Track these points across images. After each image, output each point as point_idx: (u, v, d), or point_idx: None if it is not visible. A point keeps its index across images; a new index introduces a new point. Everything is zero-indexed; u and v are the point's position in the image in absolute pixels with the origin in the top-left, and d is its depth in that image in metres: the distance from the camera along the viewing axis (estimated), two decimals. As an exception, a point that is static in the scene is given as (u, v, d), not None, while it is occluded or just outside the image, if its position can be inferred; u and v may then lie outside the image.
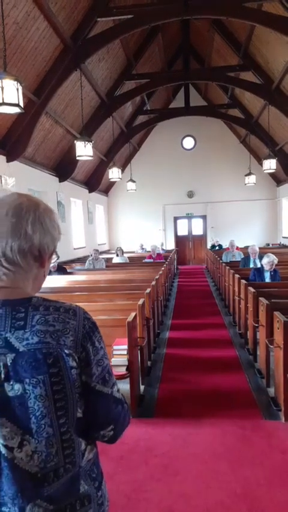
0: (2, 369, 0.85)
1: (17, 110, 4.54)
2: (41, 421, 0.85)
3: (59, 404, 0.87)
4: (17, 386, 0.85)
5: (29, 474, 0.85)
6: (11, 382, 0.85)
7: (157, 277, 6.17)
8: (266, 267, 5.63)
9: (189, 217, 16.28)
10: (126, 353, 3.46)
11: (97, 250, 8.99)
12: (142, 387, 4.02)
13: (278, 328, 3.42)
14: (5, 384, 0.85)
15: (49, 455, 0.86)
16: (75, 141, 7.84)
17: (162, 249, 13.65)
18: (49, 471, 0.87)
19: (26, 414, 0.85)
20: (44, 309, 0.91)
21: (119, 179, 11.59)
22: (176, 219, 16.34)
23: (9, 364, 0.85)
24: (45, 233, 0.94)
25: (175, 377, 4.36)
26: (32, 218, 0.92)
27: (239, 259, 8.16)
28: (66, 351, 0.89)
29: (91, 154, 7.78)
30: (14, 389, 0.85)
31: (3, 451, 0.83)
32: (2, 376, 0.85)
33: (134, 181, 13.45)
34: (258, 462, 2.77)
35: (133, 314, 3.68)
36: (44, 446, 0.86)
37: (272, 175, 14.34)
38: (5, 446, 0.83)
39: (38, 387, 0.85)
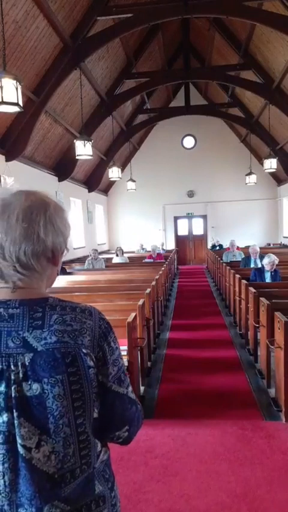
0: (20, 368, 0.85)
1: (16, 109, 4.53)
2: (59, 420, 0.85)
3: (77, 404, 0.87)
4: (35, 386, 0.84)
5: (46, 475, 0.84)
6: (29, 382, 0.85)
7: (157, 277, 6.16)
8: (267, 267, 5.62)
9: (189, 217, 16.27)
10: (126, 354, 3.44)
11: (96, 250, 8.98)
12: (142, 388, 4.00)
13: (279, 329, 3.41)
14: (23, 384, 0.84)
15: (66, 455, 0.86)
16: (74, 140, 7.83)
17: (163, 249, 13.63)
18: (66, 472, 0.86)
19: (44, 414, 0.84)
20: (61, 309, 0.92)
21: (118, 178, 11.57)
22: (176, 218, 16.32)
23: (27, 363, 0.85)
24: (57, 234, 0.93)
25: (175, 378, 4.35)
26: (43, 221, 0.91)
27: (240, 259, 8.14)
28: (84, 351, 0.89)
29: (91, 153, 7.77)
30: (32, 389, 0.84)
31: (22, 451, 0.83)
32: (21, 375, 0.85)
33: (134, 181, 13.43)
34: (258, 463, 2.75)
35: (133, 314, 3.67)
36: (61, 447, 0.85)
37: (273, 174, 14.32)
38: (23, 446, 0.83)
39: (56, 387, 0.85)
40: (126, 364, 3.41)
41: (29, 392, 0.84)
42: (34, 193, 0.94)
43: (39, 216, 0.91)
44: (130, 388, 1.00)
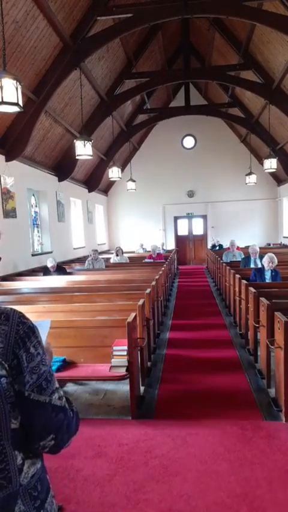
0: None
1: (16, 109, 4.52)
2: None
3: None
4: None
5: None
6: None
7: (157, 277, 6.15)
8: (266, 265, 5.64)
9: (189, 217, 16.26)
10: (126, 354, 3.44)
11: (96, 251, 8.97)
12: (142, 388, 4.00)
13: (279, 329, 3.40)
14: None
15: None
16: (74, 140, 7.82)
17: (163, 249, 13.63)
18: None
19: None
20: None
21: (118, 179, 11.56)
22: (176, 218, 16.32)
23: None
24: None
25: (175, 378, 4.34)
26: None
27: (240, 259, 8.14)
28: None
29: (91, 153, 7.76)
30: None
31: None
32: None
33: (134, 181, 13.42)
34: (258, 463, 2.75)
35: (133, 314, 3.66)
36: None
37: (273, 174, 14.32)
38: None
39: None
40: (126, 364, 3.40)
41: None
42: None
43: None
44: (56, 395, 0.94)
